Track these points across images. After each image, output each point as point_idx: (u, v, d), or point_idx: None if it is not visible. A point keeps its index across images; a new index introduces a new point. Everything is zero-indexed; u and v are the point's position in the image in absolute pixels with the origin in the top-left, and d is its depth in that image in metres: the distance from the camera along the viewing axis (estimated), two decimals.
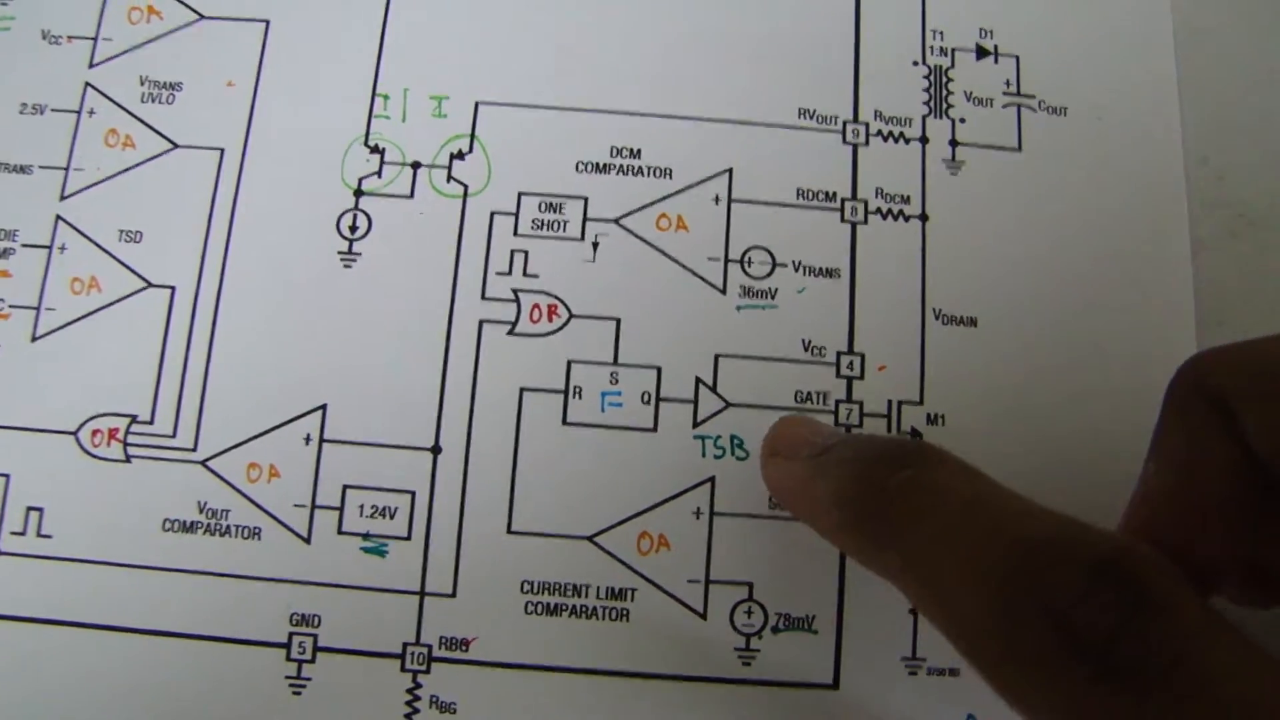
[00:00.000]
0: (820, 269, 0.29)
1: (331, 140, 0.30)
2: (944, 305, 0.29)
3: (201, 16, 0.31)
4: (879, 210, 0.30)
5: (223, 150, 0.30)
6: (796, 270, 0.29)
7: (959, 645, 0.18)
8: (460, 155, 0.30)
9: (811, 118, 0.30)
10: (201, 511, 0.28)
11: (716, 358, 0.29)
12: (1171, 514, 0.20)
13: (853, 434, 0.26)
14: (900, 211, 0.30)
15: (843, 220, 0.30)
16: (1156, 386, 0.21)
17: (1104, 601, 0.16)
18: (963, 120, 0.30)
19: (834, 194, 0.30)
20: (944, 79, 0.31)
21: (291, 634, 0.27)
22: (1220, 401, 0.19)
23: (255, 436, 0.28)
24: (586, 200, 0.29)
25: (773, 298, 0.29)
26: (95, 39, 0.31)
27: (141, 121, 0.30)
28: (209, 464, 0.28)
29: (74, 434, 0.28)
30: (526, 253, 0.29)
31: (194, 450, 0.28)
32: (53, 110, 0.30)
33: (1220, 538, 0.19)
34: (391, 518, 0.28)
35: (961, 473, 0.20)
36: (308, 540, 0.27)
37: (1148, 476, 0.21)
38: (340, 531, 0.28)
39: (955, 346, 0.29)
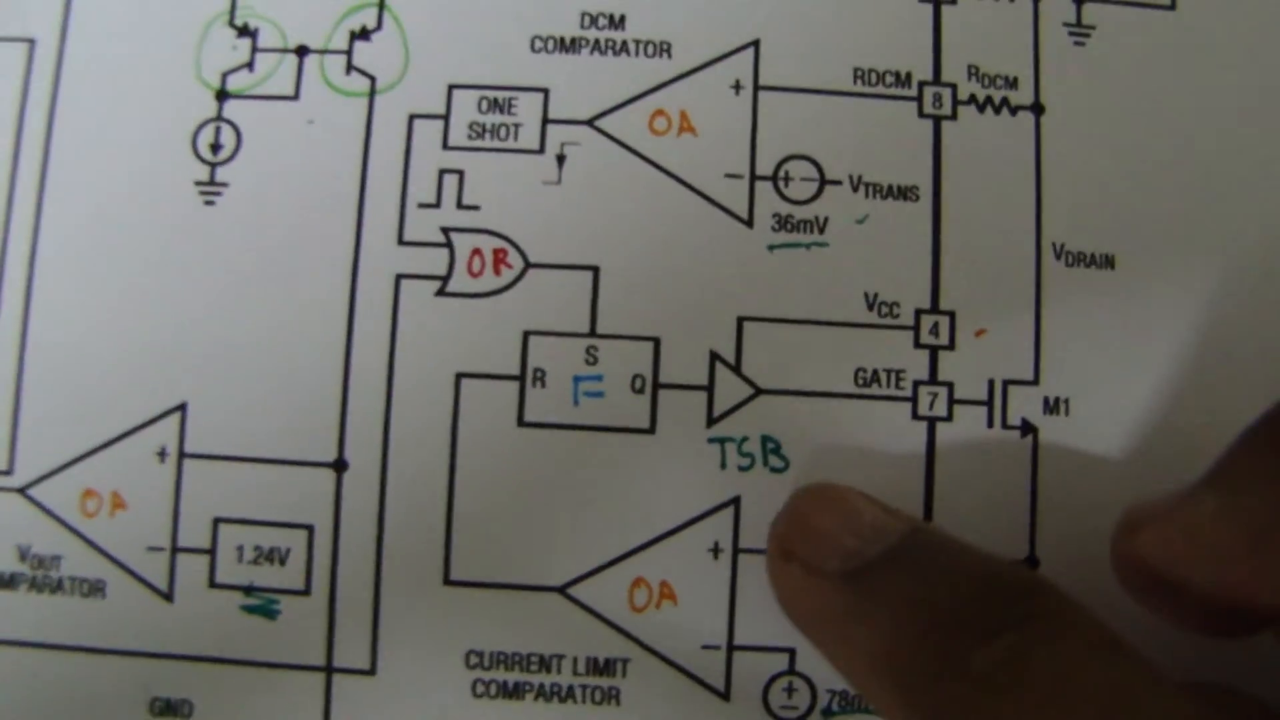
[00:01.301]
0: (890, 188, 0.22)
1: (181, 20, 0.23)
2: (1069, 239, 0.22)
3: None
4: (973, 99, 0.22)
5: (32, 41, 0.23)
6: (855, 190, 0.22)
7: None
8: (364, 33, 0.23)
9: None
10: (23, 559, 0.22)
11: (740, 322, 0.22)
12: (1228, 569, 0.17)
13: (915, 534, 0.18)
14: (1005, 100, 0.22)
15: (921, 114, 0.22)
16: None
17: None
18: None
19: (908, 75, 0.22)
20: None
21: None
22: None
23: (90, 452, 0.22)
24: (547, 93, 0.22)
25: (821, 231, 0.22)
26: None
27: None
28: (29, 492, 0.22)
29: None
30: (461, 174, 0.22)
31: (8, 474, 0.22)
32: None
33: None
34: (282, 563, 0.22)
35: (1091, 646, 0.15)
36: (169, 597, 0.22)
37: (1203, 509, 0.17)
38: (213, 584, 0.22)
39: (1086, 299, 0.22)
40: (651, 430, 0.21)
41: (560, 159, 0.22)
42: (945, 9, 0.23)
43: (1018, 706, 0.15)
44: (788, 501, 0.20)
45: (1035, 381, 0.22)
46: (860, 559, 0.18)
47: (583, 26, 0.23)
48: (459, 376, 0.22)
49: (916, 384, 0.22)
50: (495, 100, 0.22)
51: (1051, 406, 0.21)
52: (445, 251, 0.22)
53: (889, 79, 0.22)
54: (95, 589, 0.22)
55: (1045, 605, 0.16)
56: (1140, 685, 0.15)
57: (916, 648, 0.16)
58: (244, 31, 0.23)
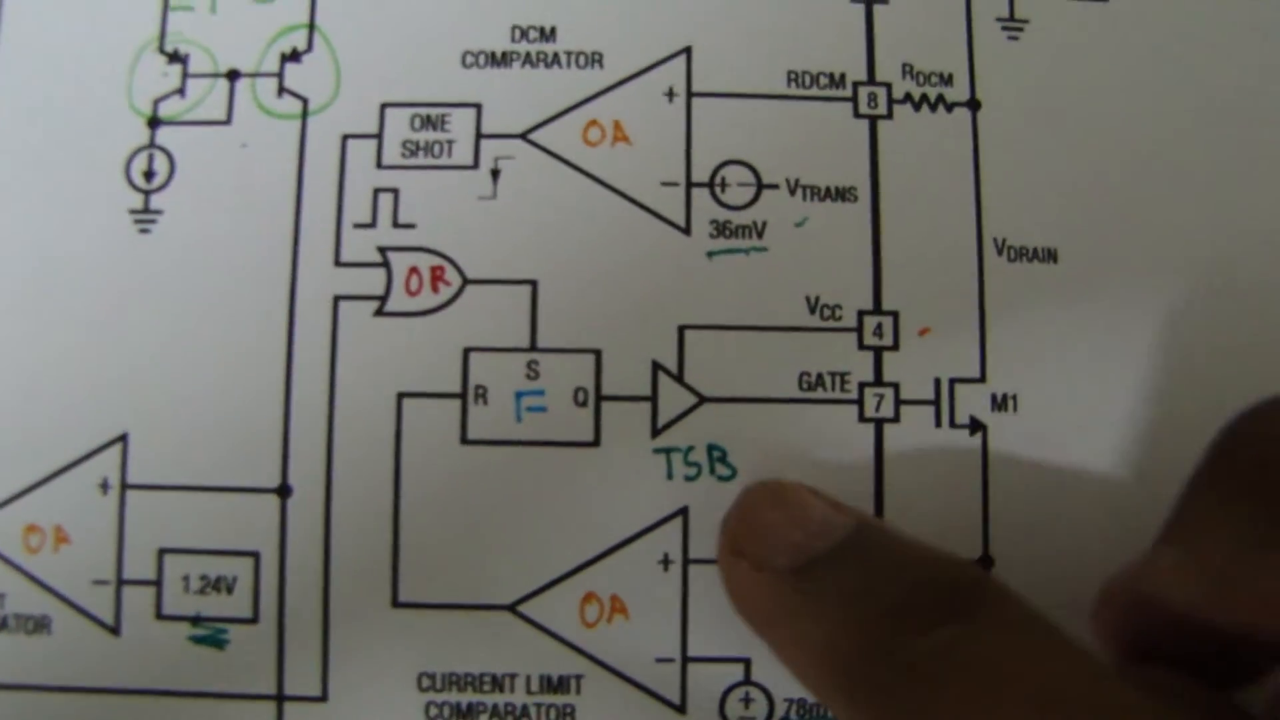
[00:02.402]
0: (828, 190, 0.22)
1: (112, 48, 0.23)
2: (1010, 234, 0.22)
3: None
4: (909, 97, 0.22)
5: None
6: (793, 193, 0.22)
7: None
8: (295, 55, 0.22)
9: None
10: None
11: (682, 331, 0.21)
12: (1198, 622, 0.16)
13: (862, 530, 0.18)
14: (940, 97, 0.22)
15: (857, 114, 0.22)
16: None
17: None
18: None
19: (842, 76, 0.22)
20: None
21: None
22: None
23: (31, 488, 0.21)
24: (479, 108, 0.22)
25: (760, 236, 0.22)
26: None
27: None
28: None
29: None
30: (396, 192, 0.22)
31: None
32: None
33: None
34: (229, 592, 0.21)
35: (1029, 640, 0.15)
36: (115, 630, 0.21)
37: (1163, 566, 0.17)
38: (160, 616, 0.21)
39: (1030, 294, 0.21)
40: (596, 443, 0.21)
41: (495, 174, 0.22)
42: (877, 8, 0.22)
43: (952, 696, 0.15)
44: (737, 498, 0.20)
45: (982, 379, 0.21)
46: (807, 554, 0.18)
47: (514, 40, 0.22)
48: (400, 396, 0.21)
49: (862, 386, 0.21)
50: (428, 117, 0.22)
51: (999, 403, 0.21)
52: (383, 271, 0.22)
53: (823, 80, 0.22)
54: (40, 625, 0.21)
55: (985, 598, 0.16)
56: (1078, 676, 0.15)
57: (858, 639, 0.16)
58: (174, 57, 0.22)
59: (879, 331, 0.21)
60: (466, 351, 0.21)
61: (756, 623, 0.19)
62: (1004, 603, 0.16)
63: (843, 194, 0.22)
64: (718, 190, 0.22)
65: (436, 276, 0.21)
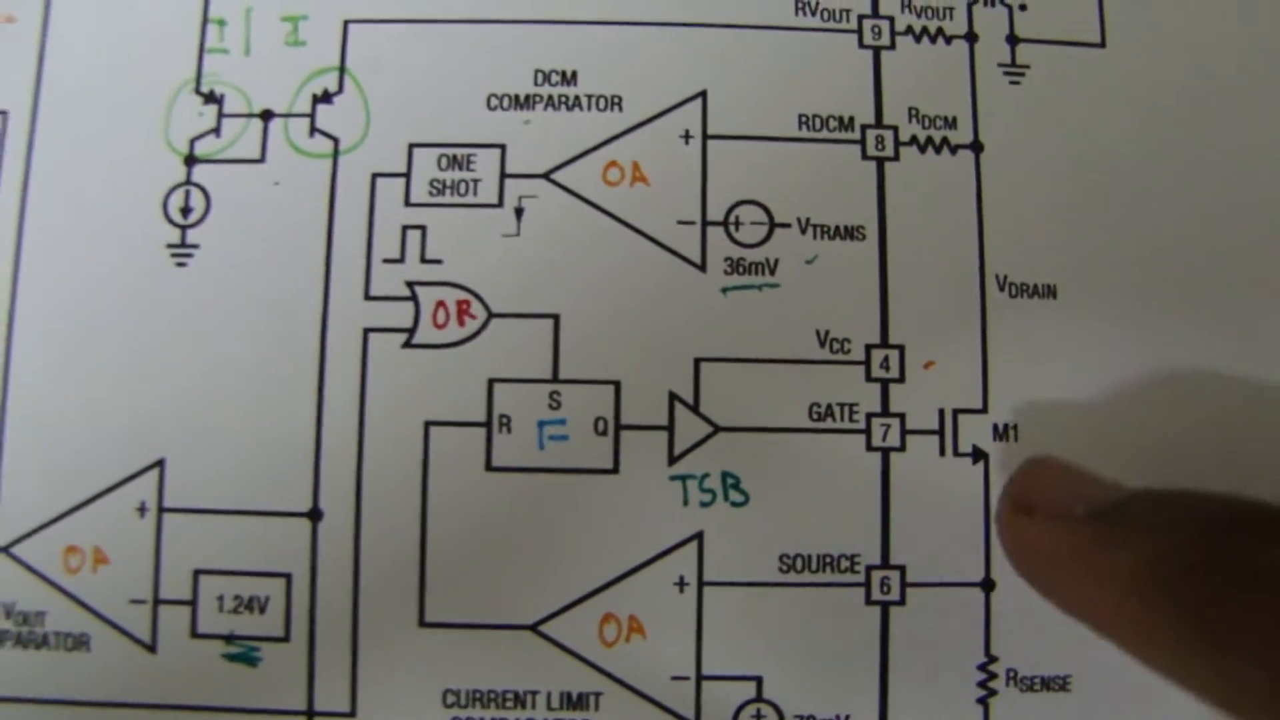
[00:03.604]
0: (837, 229, 0.22)
1: (149, 89, 0.23)
2: (1011, 271, 0.22)
3: None
4: (915, 140, 0.23)
5: (5, 113, 0.23)
6: (804, 232, 0.22)
7: None
8: (326, 97, 0.23)
9: (815, 13, 0.23)
10: (7, 616, 0.22)
11: (697, 363, 0.22)
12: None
13: (1155, 490, 0.18)
14: (944, 140, 0.23)
15: (865, 157, 0.23)
16: None
17: None
18: (1023, 7, 0.23)
19: (851, 120, 0.23)
20: None
21: None
22: None
23: (72, 510, 0.22)
24: (504, 149, 0.23)
25: (772, 273, 0.22)
26: None
27: None
28: (12, 551, 0.22)
29: None
30: (424, 229, 0.22)
31: None
32: None
33: None
34: (262, 612, 0.22)
35: None
36: (152, 648, 0.22)
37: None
38: (195, 634, 0.22)
39: (1030, 328, 0.22)
40: (615, 470, 0.22)
41: (519, 212, 0.22)
42: (885, 54, 0.23)
43: None
44: (1017, 470, 0.20)
45: (984, 410, 0.22)
46: (1106, 502, 0.18)
47: (536, 84, 0.23)
48: (428, 425, 0.22)
49: (869, 416, 0.22)
50: (454, 157, 0.23)
51: (1001, 433, 0.22)
52: (410, 305, 0.22)
53: (833, 124, 0.23)
54: (80, 643, 0.22)
55: None
56: None
57: (1192, 551, 0.16)
58: (210, 98, 0.23)
59: (886, 364, 0.22)
60: (491, 382, 0.22)
61: (1048, 569, 0.18)
62: None
63: (851, 232, 0.22)
64: (732, 229, 0.22)
65: (463, 310, 0.22)
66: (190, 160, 0.23)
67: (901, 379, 0.22)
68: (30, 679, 0.22)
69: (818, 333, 0.22)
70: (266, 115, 0.23)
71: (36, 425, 0.22)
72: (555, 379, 0.22)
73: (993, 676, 0.21)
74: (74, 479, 0.22)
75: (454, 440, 0.22)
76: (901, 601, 0.21)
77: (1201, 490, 0.17)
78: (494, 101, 0.23)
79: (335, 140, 0.23)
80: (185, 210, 0.23)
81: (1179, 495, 0.17)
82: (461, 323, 0.22)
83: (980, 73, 0.23)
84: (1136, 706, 0.21)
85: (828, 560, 0.21)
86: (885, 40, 0.23)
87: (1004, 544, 0.19)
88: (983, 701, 0.21)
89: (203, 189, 0.23)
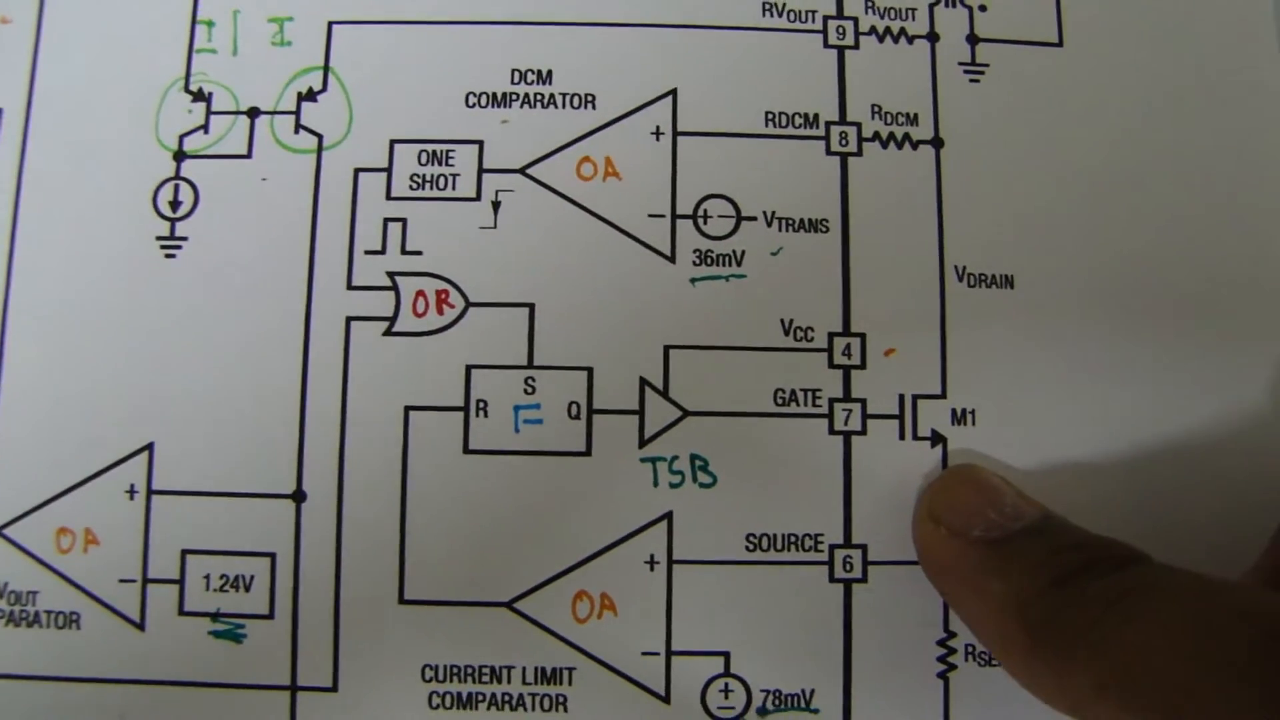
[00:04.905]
0: (802, 221, 0.23)
1: (140, 88, 0.24)
2: (969, 261, 0.23)
3: None
4: (877, 135, 0.24)
5: (1, 111, 0.24)
6: (770, 224, 0.23)
7: None
8: (311, 95, 0.24)
9: (781, 14, 0.24)
10: (1, 596, 0.22)
11: (667, 350, 0.23)
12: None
13: (1048, 517, 0.21)
14: (906, 136, 0.24)
15: (829, 152, 0.24)
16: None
17: None
18: (983, 8, 0.24)
19: (815, 117, 0.24)
20: None
21: None
22: None
23: (63, 493, 0.23)
24: (482, 145, 0.23)
25: (739, 264, 0.23)
26: None
27: None
28: (6, 532, 0.23)
29: None
30: (405, 221, 0.23)
31: None
32: None
33: None
34: (247, 590, 0.22)
35: (1190, 575, 0.18)
36: (141, 626, 0.22)
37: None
38: (182, 612, 0.22)
39: (988, 317, 0.23)
40: (588, 453, 0.22)
41: (496, 205, 0.23)
42: (849, 54, 0.24)
43: (1120, 610, 0.17)
44: (939, 477, 0.22)
45: (943, 395, 0.23)
46: (999, 530, 0.20)
47: (513, 82, 0.24)
48: (408, 409, 0.23)
49: (832, 401, 0.23)
50: (434, 153, 0.23)
51: (959, 418, 0.23)
52: (391, 294, 0.23)
53: (798, 120, 0.24)
54: (70, 621, 0.22)
55: (1152, 563, 0.19)
56: (1217, 581, 0.18)
57: (1044, 590, 0.19)
58: (198, 96, 0.24)
59: (848, 352, 0.23)
60: (469, 368, 0.23)
61: (941, 576, 0.21)
62: (1161, 567, 0.19)
63: (815, 225, 0.23)
64: (700, 222, 0.23)
65: (441, 299, 0.23)
66: (179, 156, 0.24)
67: (863, 366, 0.23)
68: (22, 656, 0.22)
69: (782, 321, 0.23)
70: (253, 113, 0.24)
71: (29, 411, 0.23)
72: (530, 365, 0.23)
73: (952, 652, 0.22)
74: (65, 463, 0.23)
75: (433, 424, 0.22)
76: (864, 579, 0.22)
77: (1073, 530, 0.20)
78: (472, 99, 0.24)
79: (319, 137, 0.23)
80: (174, 204, 0.23)
81: (1056, 535, 0.20)
82: (440, 311, 0.23)
83: (941, 71, 0.24)
84: None
85: (792, 539, 0.22)
86: (849, 40, 0.24)
87: (914, 542, 0.22)
88: (943, 676, 0.22)
89: (191, 183, 0.23)
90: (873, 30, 0.24)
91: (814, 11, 0.24)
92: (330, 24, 0.24)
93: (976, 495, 0.21)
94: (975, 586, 0.20)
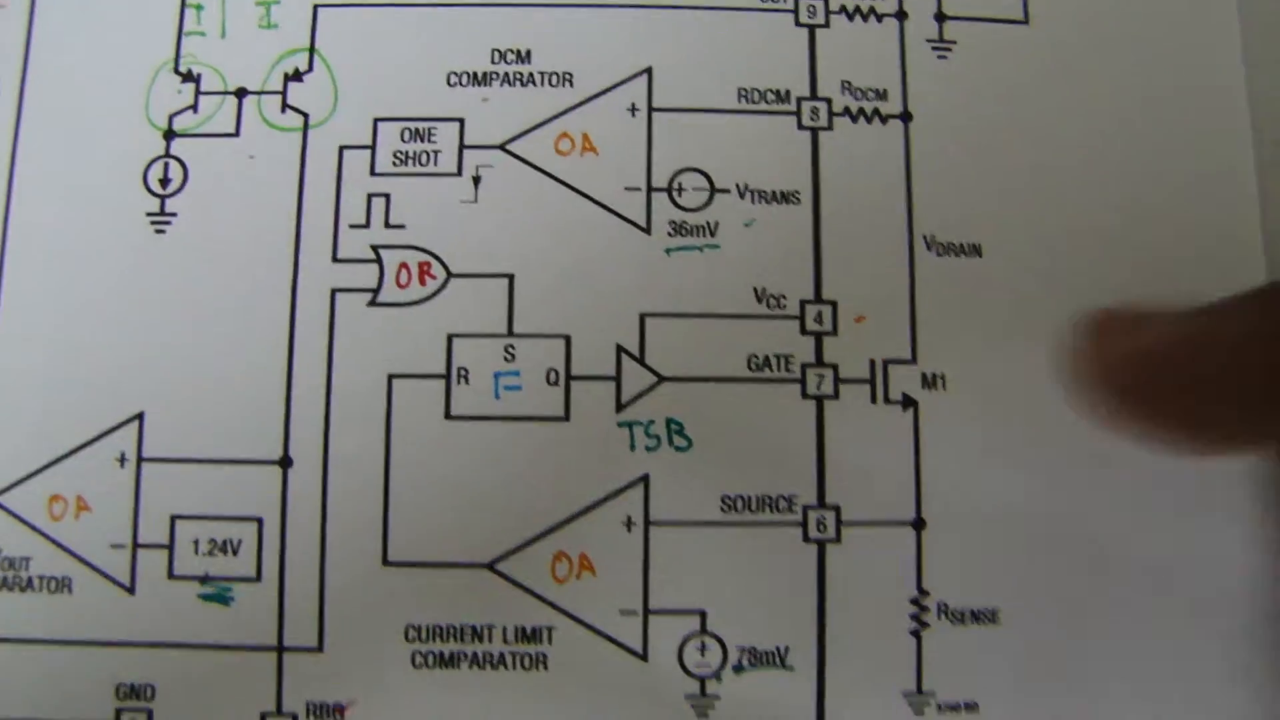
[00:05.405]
0: (774, 193, 0.24)
1: (130, 68, 0.25)
2: (938, 231, 0.24)
3: None
4: (847, 110, 0.24)
5: None
6: (742, 197, 0.24)
7: None
8: (297, 75, 0.24)
9: None
10: None
11: (643, 318, 0.23)
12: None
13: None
14: (875, 111, 0.24)
15: (800, 127, 0.24)
16: None
17: None
18: None
19: (787, 93, 0.24)
20: None
21: (119, 710, 0.22)
22: None
23: (55, 461, 0.23)
24: (462, 122, 0.24)
25: (713, 235, 0.24)
26: None
27: None
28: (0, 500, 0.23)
29: None
30: (388, 196, 0.24)
31: None
32: None
33: None
34: (235, 554, 0.23)
35: None
36: (131, 590, 0.23)
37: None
38: (171, 576, 0.23)
39: (956, 284, 0.23)
40: (566, 418, 0.23)
41: (476, 180, 0.24)
42: (819, 31, 0.25)
43: None
44: (1089, 315, 0.18)
45: (913, 360, 0.23)
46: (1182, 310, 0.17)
47: (493, 62, 0.24)
48: (391, 377, 0.23)
49: (804, 367, 0.23)
50: (416, 130, 0.24)
51: (929, 382, 0.23)
52: (375, 266, 0.24)
53: (770, 96, 0.24)
54: (62, 586, 0.23)
55: None
56: None
57: None
58: (188, 77, 0.24)
59: (819, 319, 0.23)
60: (450, 337, 0.23)
61: (1164, 363, 0.17)
62: None
63: (787, 197, 0.24)
64: (675, 194, 0.24)
65: (424, 271, 0.23)
66: (169, 135, 0.24)
67: (834, 332, 0.23)
68: (16, 620, 0.23)
69: (755, 290, 0.23)
70: (241, 93, 0.24)
71: (22, 384, 0.23)
72: (510, 334, 0.23)
73: (924, 610, 0.23)
74: (57, 431, 0.23)
75: (415, 391, 0.23)
76: (837, 539, 0.23)
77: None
78: (453, 79, 0.24)
79: (305, 115, 0.24)
80: (164, 181, 0.24)
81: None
82: (423, 283, 0.23)
83: (909, 48, 0.25)
84: (1061, 637, 0.23)
85: (767, 501, 0.23)
86: (820, 18, 0.25)
87: (1095, 361, 0.17)
88: (915, 634, 0.23)
89: (181, 161, 0.24)
90: (842, 9, 0.25)
91: None
92: (316, 7, 0.25)
93: (1134, 307, 0.18)
94: (1211, 341, 0.16)
